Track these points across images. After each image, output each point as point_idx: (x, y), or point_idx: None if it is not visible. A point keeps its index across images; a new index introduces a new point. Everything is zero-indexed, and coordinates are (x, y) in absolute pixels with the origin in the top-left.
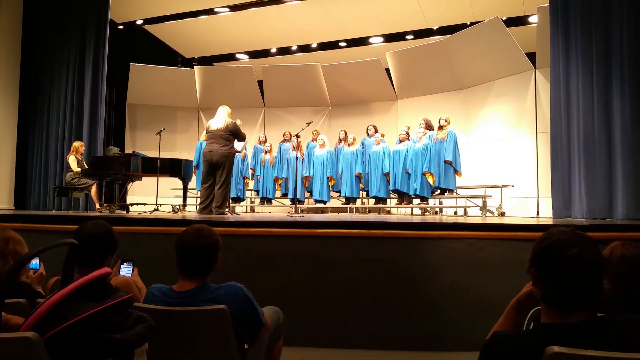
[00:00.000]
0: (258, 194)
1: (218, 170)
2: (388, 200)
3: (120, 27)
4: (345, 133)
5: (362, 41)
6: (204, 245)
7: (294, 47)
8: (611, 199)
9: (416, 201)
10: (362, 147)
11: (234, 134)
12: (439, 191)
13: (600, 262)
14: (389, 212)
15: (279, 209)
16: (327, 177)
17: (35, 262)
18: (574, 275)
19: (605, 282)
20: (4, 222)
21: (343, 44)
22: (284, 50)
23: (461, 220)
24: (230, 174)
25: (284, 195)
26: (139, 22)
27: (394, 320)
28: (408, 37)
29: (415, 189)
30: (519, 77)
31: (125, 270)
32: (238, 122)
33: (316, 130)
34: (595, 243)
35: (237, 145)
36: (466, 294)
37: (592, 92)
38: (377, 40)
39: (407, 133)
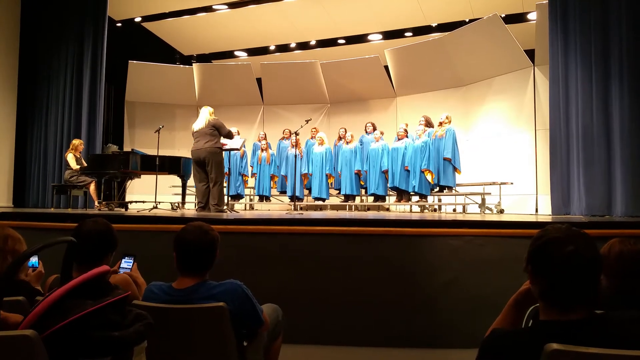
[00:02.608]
0: (255, 192)
1: (207, 167)
2: (387, 197)
3: (119, 24)
4: (345, 130)
5: (360, 38)
6: (205, 242)
7: (293, 45)
8: (610, 196)
9: (415, 198)
10: (361, 145)
11: (217, 127)
12: (438, 188)
13: (596, 258)
14: (388, 209)
15: (278, 207)
16: (326, 175)
17: (34, 260)
18: (570, 272)
19: (603, 279)
20: (3, 220)
21: (342, 41)
22: (283, 48)
23: (460, 217)
24: (220, 169)
25: (282, 192)
26: (138, 19)
27: (393, 317)
28: (407, 34)
29: (414, 187)
30: (518, 74)
31: (126, 264)
32: (234, 129)
33: (315, 128)
34: (591, 239)
35: (236, 142)
36: (465, 291)
37: (591, 89)
38: (375, 38)
39: (406, 130)
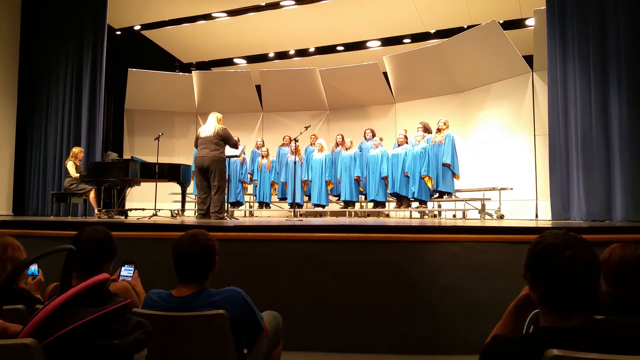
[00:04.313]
0: (256, 199)
1: (210, 175)
2: (387, 203)
3: (118, 32)
4: (342, 137)
5: (359, 45)
6: (200, 251)
7: (292, 52)
8: (610, 201)
9: (415, 204)
10: (360, 151)
11: (224, 139)
12: (437, 194)
13: (595, 263)
14: (387, 215)
15: (278, 213)
16: (326, 181)
17: (33, 268)
18: (569, 277)
19: (603, 284)
20: (2, 228)
21: (341, 48)
22: (282, 55)
23: (460, 223)
24: (223, 178)
25: (282, 199)
26: (137, 27)
27: (394, 323)
28: (405, 40)
29: (414, 193)
30: (516, 80)
31: (127, 272)
32: (239, 147)
33: (314, 135)
34: (589, 244)
35: (235, 150)
36: (465, 297)
37: (589, 94)
38: (374, 44)
39: (405, 137)
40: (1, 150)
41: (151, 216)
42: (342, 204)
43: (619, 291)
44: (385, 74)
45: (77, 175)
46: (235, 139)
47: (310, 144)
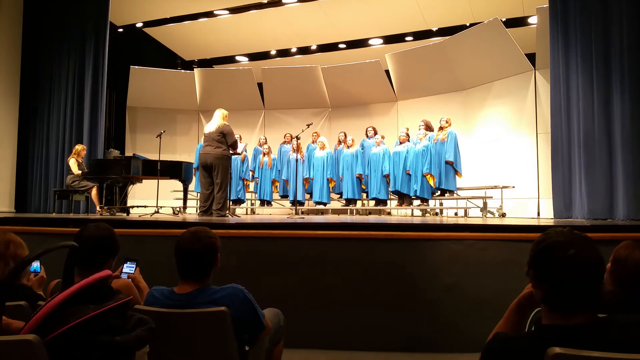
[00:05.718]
0: (257, 196)
1: (213, 172)
2: (388, 201)
3: (120, 30)
4: (345, 135)
5: (361, 43)
6: (201, 248)
7: (294, 49)
8: (612, 200)
9: (416, 202)
10: (362, 149)
11: (225, 135)
12: (439, 192)
13: (599, 262)
14: (389, 213)
15: (279, 211)
16: (327, 179)
17: (36, 265)
18: (572, 276)
19: (606, 282)
20: (5, 225)
21: (342, 45)
22: (284, 53)
23: (462, 221)
24: (226, 176)
25: (284, 197)
26: (139, 25)
27: (395, 321)
28: (407, 38)
29: (416, 190)
30: (518, 78)
31: (128, 269)
32: (241, 145)
33: (316, 132)
34: (593, 243)
35: (238, 147)
36: (467, 295)
37: (592, 93)
38: (376, 42)
39: (407, 134)
40: (4, 147)
41: (153, 213)
42: (344, 201)
43: (626, 291)
44: (387, 71)
45: (79, 172)
46: (237, 137)
47: (312, 142)
